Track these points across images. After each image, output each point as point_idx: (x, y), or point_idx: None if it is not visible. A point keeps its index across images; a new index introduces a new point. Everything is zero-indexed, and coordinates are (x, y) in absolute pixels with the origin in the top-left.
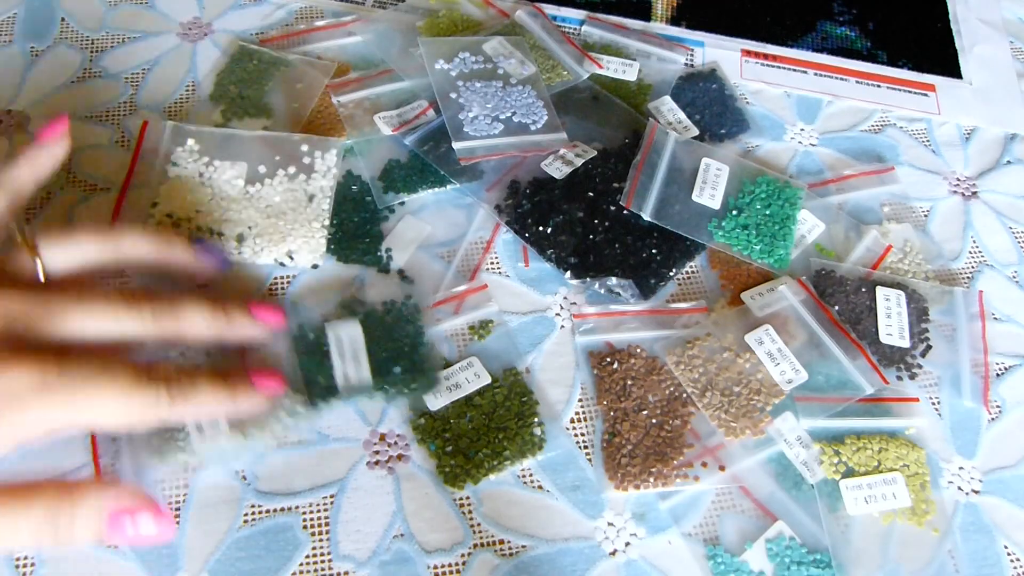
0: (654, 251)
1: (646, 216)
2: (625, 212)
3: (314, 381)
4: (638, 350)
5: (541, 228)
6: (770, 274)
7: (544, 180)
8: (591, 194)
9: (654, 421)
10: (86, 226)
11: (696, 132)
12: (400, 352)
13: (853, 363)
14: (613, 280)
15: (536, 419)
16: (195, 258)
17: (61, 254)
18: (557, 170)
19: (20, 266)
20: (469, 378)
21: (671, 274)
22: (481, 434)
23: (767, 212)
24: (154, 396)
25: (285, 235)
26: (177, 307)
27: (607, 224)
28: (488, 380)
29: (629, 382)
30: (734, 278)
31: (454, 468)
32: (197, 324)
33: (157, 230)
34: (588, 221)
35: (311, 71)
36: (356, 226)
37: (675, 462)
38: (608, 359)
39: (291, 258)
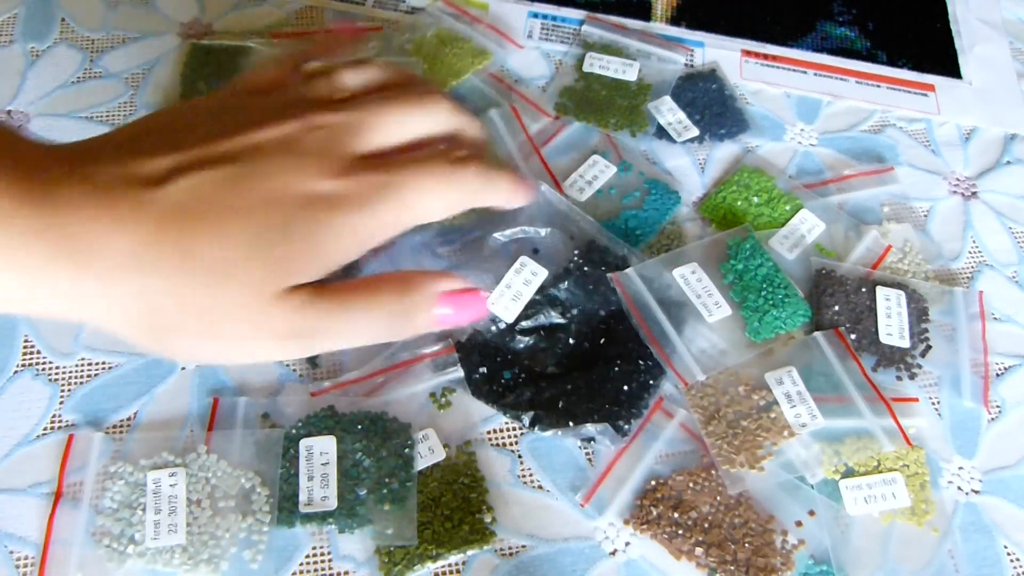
0: (624, 382)
1: (700, 377)
2: (585, 345)
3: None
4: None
5: (494, 388)
6: None
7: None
8: (544, 333)
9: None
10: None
11: (696, 132)
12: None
13: (879, 420)
14: (589, 428)
15: (485, 506)
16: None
17: (350, 75)
18: (505, 309)
19: (317, 90)
20: (423, 452)
21: (645, 405)
22: (425, 521)
23: (759, 276)
24: (469, 175)
25: None
26: (436, 104)
27: (564, 360)
28: (442, 456)
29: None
30: None
31: (392, 556)
32: (452, 119)
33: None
34: (541, 363)
35: (272, 52)
36: None
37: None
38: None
39: None
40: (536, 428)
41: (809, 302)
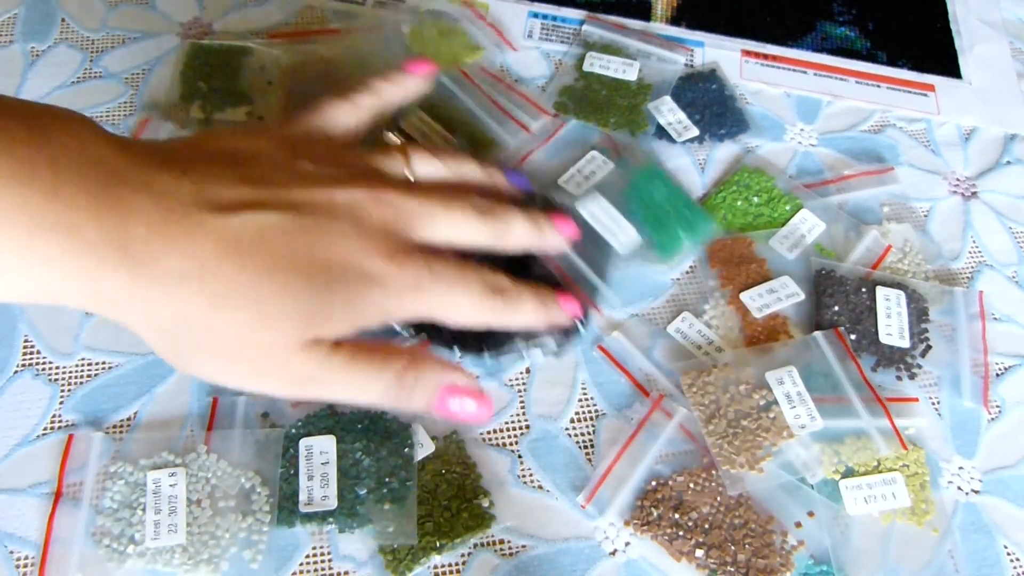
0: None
1: (620, 306)
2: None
3: (286, 499)
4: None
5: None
6: (769, 274)
7: None
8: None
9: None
10: (439, 148)
11: (696, 132)
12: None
13: (875, 421)
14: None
15: (481, 492)
16: (509, 182)
17: (423, 164)
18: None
19: (391, 167)
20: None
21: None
22: (424, 514)
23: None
24: (497, 303)
25: None
26: (510, 221)
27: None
28: (432, 448)
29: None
30: (733, 278)
31: (397, 553)
32: (520, 237)
33: (485, 161)
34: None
35: (272, 52)
36: None
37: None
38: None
39: None
40: (457, 353)
41: (809, 302)
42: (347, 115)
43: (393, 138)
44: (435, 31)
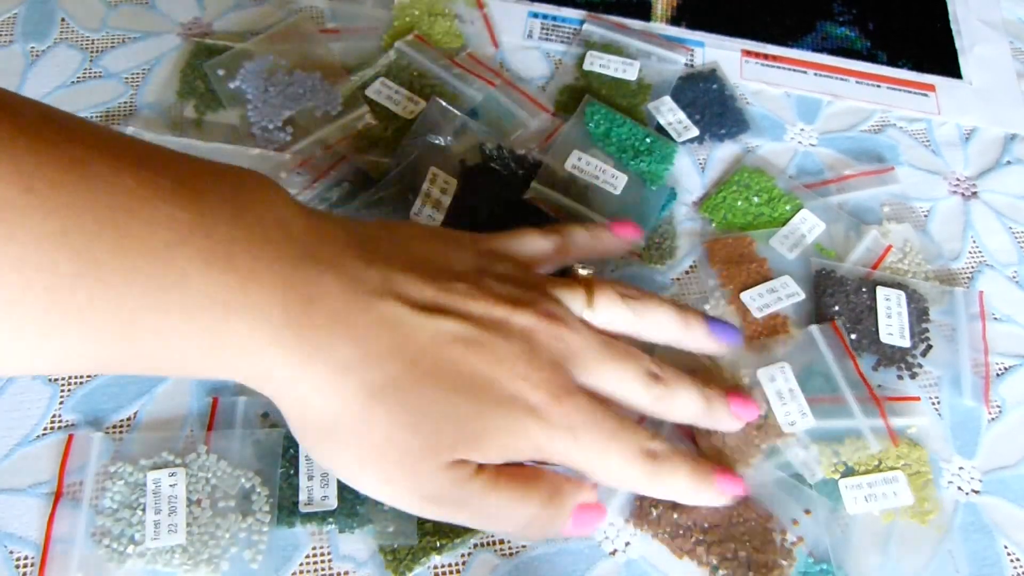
0: None
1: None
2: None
3: (285, 498)
4: None
5: None
6: (770, 274)
7: None
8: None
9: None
10: (634, 293)
11: (696, 132)
12: None
13: (868, 420)
14: None
15: None
16: (711, 335)
17: (607, 308)
18: (430, 218)
19: (572, 301)
20: None
21: None
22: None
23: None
24: (647, 471)
25: None
26: (676, 392)
27: None
28: None
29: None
30: (734, 277)
31: (397, 553)
32: (684, 411)
33: (682, 307)
34: None
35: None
36: None
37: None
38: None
39: None
40: None
41: (810, 302)
42: (542, 244)
43: (583, 272)
44: (425, 9)
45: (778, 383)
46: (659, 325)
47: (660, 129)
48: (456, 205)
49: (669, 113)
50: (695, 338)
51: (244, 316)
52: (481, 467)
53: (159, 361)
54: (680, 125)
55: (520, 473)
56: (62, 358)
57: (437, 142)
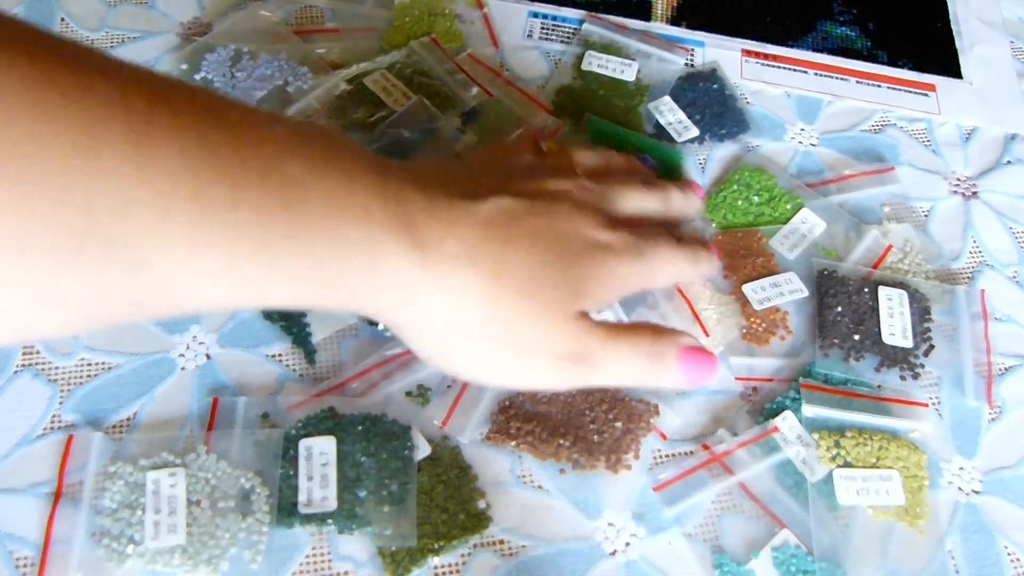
0: None
1: None
2: None
3: (285, 498)
4: None
5: None
6: (776, 269)
7: None
8: None
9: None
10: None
11: (696, 132)
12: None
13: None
14: None
15: (476, 493)
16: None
17: (584, 156)
18: None
19: (567, 163)
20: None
21: None
22: (422, 516)
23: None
24: (691, 257)
25: None
26: (668, 189)
27: None
28: (428, 450)
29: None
30: (738, 269)
31: (395, 555)
32: (677, 200)
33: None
34: None
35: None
36: None
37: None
38: None
39: None
40: (380, 326)
41: (811, 302)
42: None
43: (550, 145)
44: (425, 9)
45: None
46: (613, 160)
47: (660, 129)
48: None
49: (669, 113)
50: (636, 164)
51: (352, 219)
52: (595, 321)
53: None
54: (680, 125)
55: (626, 325)
56: (219, 276)
57: (408, 136)
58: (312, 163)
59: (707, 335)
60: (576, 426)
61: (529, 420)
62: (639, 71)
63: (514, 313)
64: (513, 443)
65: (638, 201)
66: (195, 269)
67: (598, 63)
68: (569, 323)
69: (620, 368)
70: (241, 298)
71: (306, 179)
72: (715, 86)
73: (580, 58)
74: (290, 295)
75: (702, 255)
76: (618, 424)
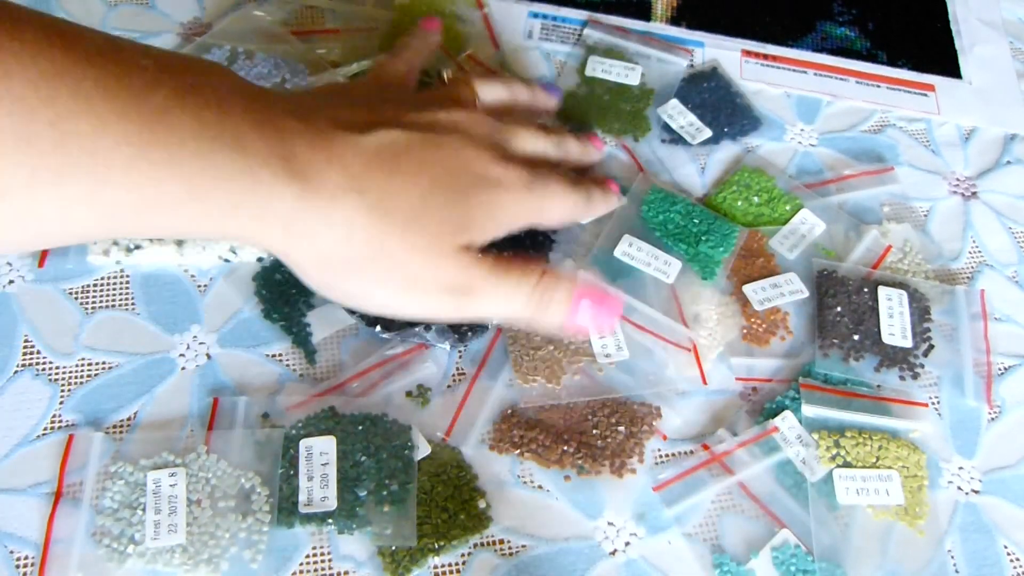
0: None
1: (688, 339)
2: None
3: (285, 498)
4: None
5: None
6: (777, 270)
7: None
8: None
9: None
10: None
11: (709, 133)
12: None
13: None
14: (426, 334)
15: (476, 493)
16: (548, 94)
17: (487, 88)
18: None
19: (465, 93)
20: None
21: (490, 323)
22: (422, 516)
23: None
24: (583, 196)
25: None
26: (564, 136)
27: None
28: (427, 450)
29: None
30: (739, 270)
31: (395, 555)
32: (573, 147)
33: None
34: None
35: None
36: (286, 282)
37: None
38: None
39: (235, 253)
40: (378, 328)
41: (811, 302)
42: (400, 65)
43: (451, 73)
44: (425, 9)
45: None
46: (519, 92)
47: (671, 132)
48: None
49: (680, 117)
50: (541, 96)
51: (227, 149)
52: (482, 254)
53: (167, 209)
54: (692, 128)
55: (514, 258)
56: (85, 205)
57: None
58: (181, 92)
59: (689, 329)
60: (579, 432)
61: (532, 428)
62: (643, 75)
63: (400, 245)
64: (517, 451)
65: (533, 141)
66: (63, 196)
67: (602, 68)
68: (455, 255)
69: (504, 302)
70: (118, 225)
71: (174, 108)
72: (717, 84)
73: (583, 63)
74: (170, 223)
75: (596, 194)
76: (621, 428)
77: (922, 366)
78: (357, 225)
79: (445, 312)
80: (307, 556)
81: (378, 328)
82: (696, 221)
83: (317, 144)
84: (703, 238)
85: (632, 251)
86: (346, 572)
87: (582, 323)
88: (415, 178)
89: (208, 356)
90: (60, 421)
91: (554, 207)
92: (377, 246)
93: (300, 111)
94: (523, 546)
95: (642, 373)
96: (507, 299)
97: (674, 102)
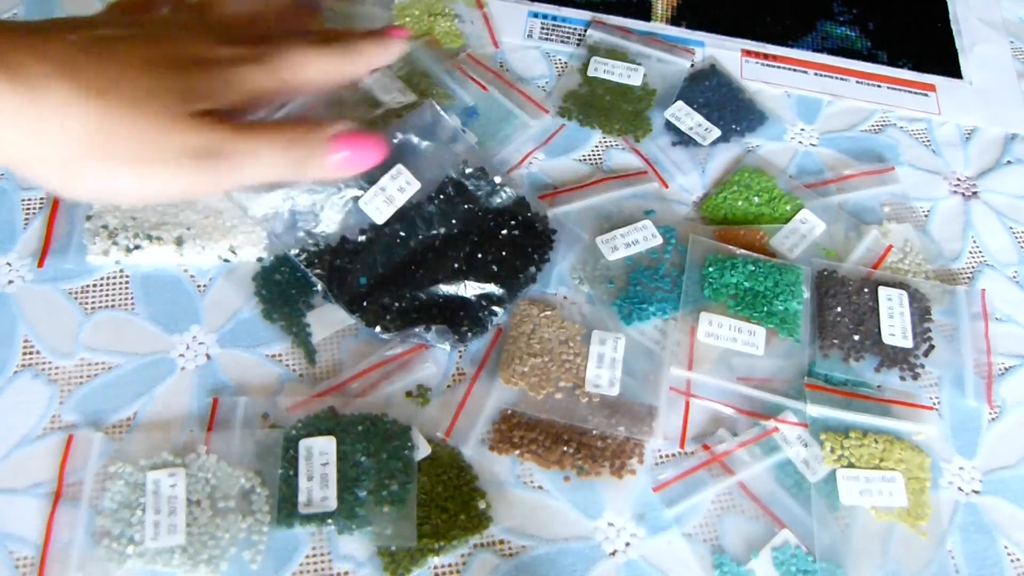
0: (480, 295)
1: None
2: (449, 253)
3: (285, 499)
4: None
5: (352, 292)
6: (765, 248)
7: (355, 235)
8: (413, 243)
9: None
10: None
11: (719, 133)
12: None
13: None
14: (426, 334)
15: (477, 494)
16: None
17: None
18: (377, 210)
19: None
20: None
21: (490, 324)
22: (422, 516)
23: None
24: (340, 52)
25: (225, 232)
26: (345, 38)
27: (424, 267)
28: (428, 451)
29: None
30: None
31: (395, 555)
32: (362, 49)
33: None
34: (407, 268)
35: None
36: (286, 282)
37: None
38: None
39: (234, 253)
40: (378, 328)
41: (812, 303)
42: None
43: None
44: (425, 8)
45: (606, 348)
46: None
47: (680, 135)
48: (415, 208)
49: (687, 118)
50: None
51: None
52: (227, 117)
53: None
54: (701, 128)
55: (266, 121)
56: None
57: (415, 142)
58: None
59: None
60: (579, 432)
61: (532, 428)
62: (644, 75)
63: (123, 120)
64: (517, 452)
65: (301, 55)
66: None
67: (604, 69)
68: (189, 119)
69: (260, 160)
70: None
71: None
72: (720, 83)
73: (586, 63)
74: None
75: (364, 46)
76: (621, 428)
77: (922, 366)
78: (73, 111)
79: (203, 184)
80: (307, 556)
81: (378, 328)
82: (761, 279)
83: (19, 41)
84: (775, 298)
85: (714, 329)
86: (346, 572)
87: (345, 170)
88: (130, 59)
89: (208, 356)
90: (60, 421)
91: (301, 71)
92: (98, 127)
93: (28, 26)
94: (523, 546)
95: (642, 373)
96: (260, 158)
97: (679, 104)
